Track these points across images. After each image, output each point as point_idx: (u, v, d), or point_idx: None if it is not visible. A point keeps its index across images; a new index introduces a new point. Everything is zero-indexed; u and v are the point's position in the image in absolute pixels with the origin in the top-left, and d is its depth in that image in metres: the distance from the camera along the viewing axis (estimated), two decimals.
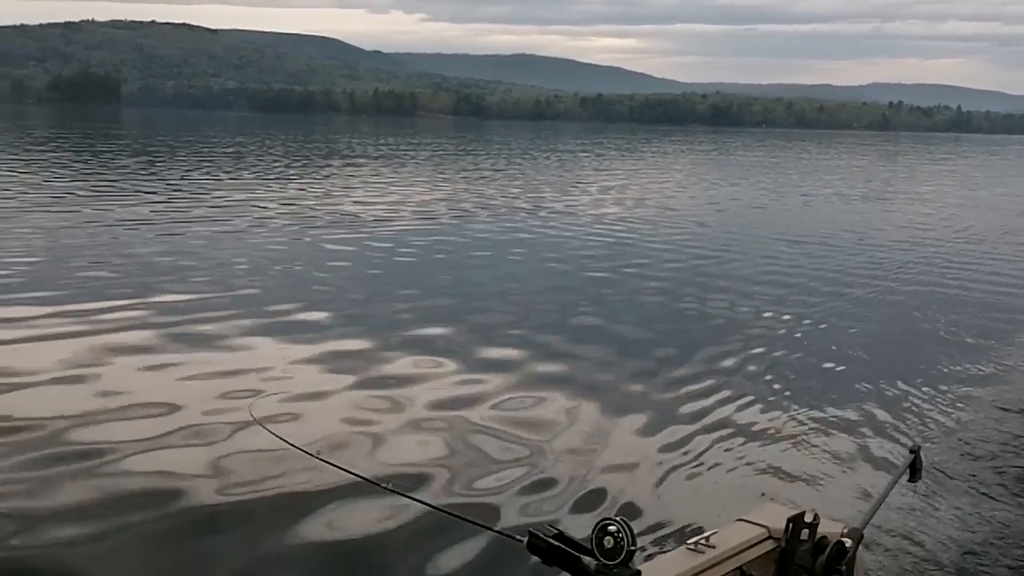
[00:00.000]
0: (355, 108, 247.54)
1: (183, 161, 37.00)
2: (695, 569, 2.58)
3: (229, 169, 33.36)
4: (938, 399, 8.20)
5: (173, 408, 7.01)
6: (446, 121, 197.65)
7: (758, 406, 7.74)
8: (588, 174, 38.75)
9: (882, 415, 7.62)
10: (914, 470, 3.46)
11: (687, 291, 13.03)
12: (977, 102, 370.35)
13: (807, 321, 11.19)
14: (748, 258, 16.49)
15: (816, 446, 6.88)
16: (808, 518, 2.80)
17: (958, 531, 5.45)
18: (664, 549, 4.60)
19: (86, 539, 5.02)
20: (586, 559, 2.26)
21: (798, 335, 10.45)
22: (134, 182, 26.61)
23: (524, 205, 23.93)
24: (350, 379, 8.04)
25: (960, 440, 7.12)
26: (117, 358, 8.36)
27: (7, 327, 9.30)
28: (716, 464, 6.42)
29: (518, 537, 2.38)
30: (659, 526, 5.31)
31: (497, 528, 2.86)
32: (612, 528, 2.23)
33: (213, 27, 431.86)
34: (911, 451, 3.50)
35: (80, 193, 22.57)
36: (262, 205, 21.48)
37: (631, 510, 5.53)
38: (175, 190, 24.51)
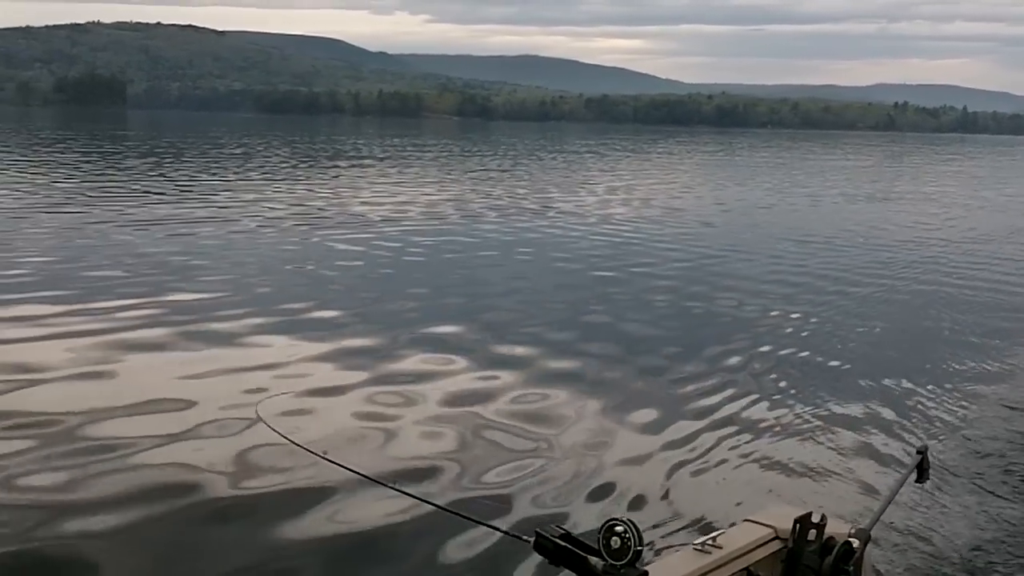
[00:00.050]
0: (360, 109, 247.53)
1: (191, 162, 37.11)
2: (702, 569, 2.60)
3: (237, 170, 33.43)
4: (945, 398, 8.23)
5: (186, 405, 7.08)
6: (451, 122, 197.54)
7: (764, 404, 7.78)
8: (594, 175, 38.75)
9: (889, 414, 7.65)
10: (921, 470, 3.43)
11: (694, 290, 13.08)
12: (983, 103, 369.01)
13: (814, 320, 11.24)
14: (754, 257, 16.53)
15: (823, 444, 6.90)
16: (815, 518, 2.80)
17: (966, 529, 5.47)
18: (671, 547, 4.63)
19: (99, 530, 5.10)
20: (593, 559, 2.24)
21: (805, 334, 10.49)
22: (143, 183, 26.70)
23: (531, 205, 23.97)
24: (360, 376, 8.11)
25: (967, 438, 7.15)
26: (130, 355, 8.45)
27: (22, 325, 9.41)
28: (723, 461, 6.46)
29: (524, 537, 2.39)
30: (666, 524, 5.34)
31: (503, 528, 2.84)
32: (619, 528, 2.22)
33: (219, 28, 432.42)
34: (918, 451, 3.48)
35: (90, 194, 22.68)
36: (271, 205, 21.58)
37: (638, 507, 5.57)
38: (184, 191, 24.60)
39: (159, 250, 14.54)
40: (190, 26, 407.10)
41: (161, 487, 5.65)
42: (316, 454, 3.17)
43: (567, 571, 2.31)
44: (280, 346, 9.07)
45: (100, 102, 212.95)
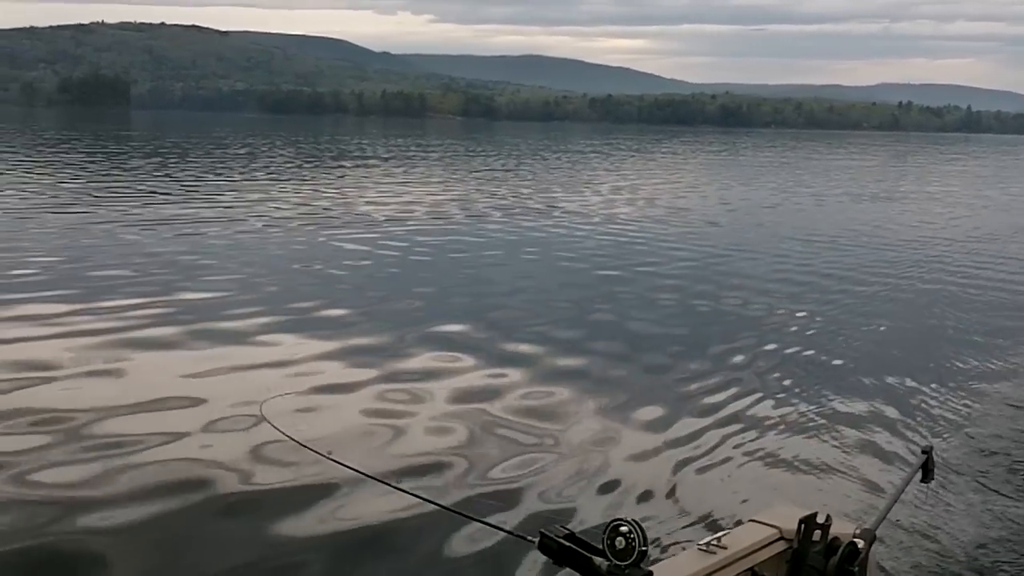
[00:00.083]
0: (364, 109, 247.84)
1: (196, 163, 37.17)
2: (707, 570, 2.60)
3: (242, 170, 33.49)
4: (949, 396, 8.23)
5: (193, 403, 7.12)
6: (455, 122, 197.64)
7: (769, 402, 7.80)
8: (599, 174, 38.78)
9: (893, 412, 7.66)
10: (926, 470, 3.41)
11: (699, 289, 13.10)
12: (987, 102, 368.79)
13: (819, 319, 11.26)
14: (759, 257, 16.54)
15: (827, 443, 6.92)
16: (820, 519, 2.80)
17: (971, 527, 5.48)
18: (676, 544, 4.66)
19: (107, 526, 5.14)
20: (597, 560, 2.23)
21: (810, 332, 10.51)
22: (148, 183, 26.75)
23: (536, 205, 24.00)
24: (366, 374, 8.13)
25: (972, 437, 7.15)
26: (137, 354, 8.49)
27: (31, 324, 9.45)
28: (728, 459, 6.47)
29: (529, 537, 2.38)
30: (671, 522, 5.36)
31: (508, 528, 2.82)
32: (624, 528, 2.20)
33: (222, 29, 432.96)
34: (923, 451, 3.46)
35: (95, 194, 22.73)
36: (277, 205, 21.63)
37: (643, 504, 5.59)
38: (189, 191, 24.65)
39: (166, 250, 14.59)
40: (194, 26, 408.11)
41: (167, 484, 5.69)
42: (320, 453, 3.15)
43: (571, 571, 2.31)
44: (287, 345, 9.11)
45: (104, 102, 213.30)
